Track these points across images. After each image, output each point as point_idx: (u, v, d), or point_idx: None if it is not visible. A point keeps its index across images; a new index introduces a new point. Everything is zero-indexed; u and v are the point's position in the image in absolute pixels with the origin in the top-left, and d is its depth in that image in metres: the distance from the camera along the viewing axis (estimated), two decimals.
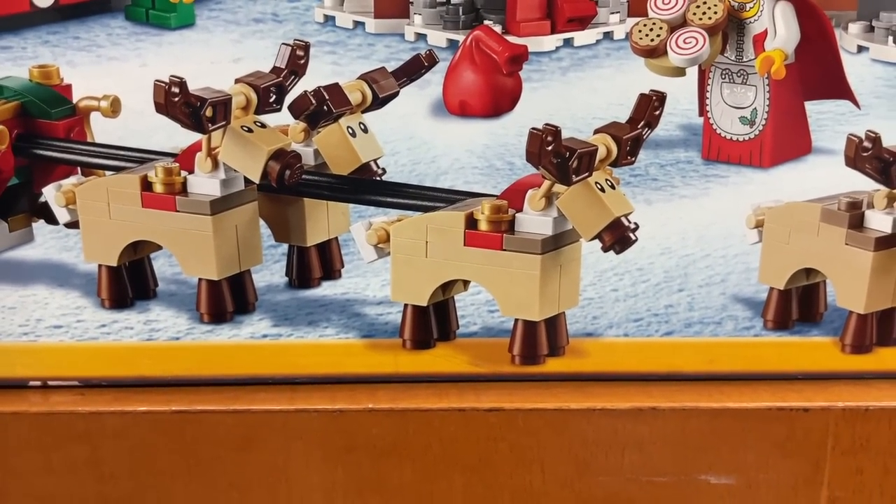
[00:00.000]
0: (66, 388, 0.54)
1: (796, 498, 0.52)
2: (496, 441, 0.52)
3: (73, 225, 0.55)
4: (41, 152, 0.56)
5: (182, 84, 0.50)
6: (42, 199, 0.56)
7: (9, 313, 0.54)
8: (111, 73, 0.55)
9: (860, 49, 0.70)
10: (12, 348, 0.54)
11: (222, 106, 0.50)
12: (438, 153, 0.56)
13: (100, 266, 0.55)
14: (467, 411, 0.52)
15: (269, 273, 0.57)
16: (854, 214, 0.51)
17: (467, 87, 0.57)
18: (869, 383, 0.52)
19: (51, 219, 0.56)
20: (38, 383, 0.54)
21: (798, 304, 0.54)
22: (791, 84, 0.65)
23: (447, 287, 0.53)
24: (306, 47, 0.52)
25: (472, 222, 0.51)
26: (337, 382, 0.54)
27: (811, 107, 0.66)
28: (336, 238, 0.57)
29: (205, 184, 0.52)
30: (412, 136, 0.56)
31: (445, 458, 0.52)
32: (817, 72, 0.66)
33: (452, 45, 0.56)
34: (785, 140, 0.66)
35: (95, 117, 0.56)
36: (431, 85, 0.56)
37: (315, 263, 0.56)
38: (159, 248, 0.55)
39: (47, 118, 0.55)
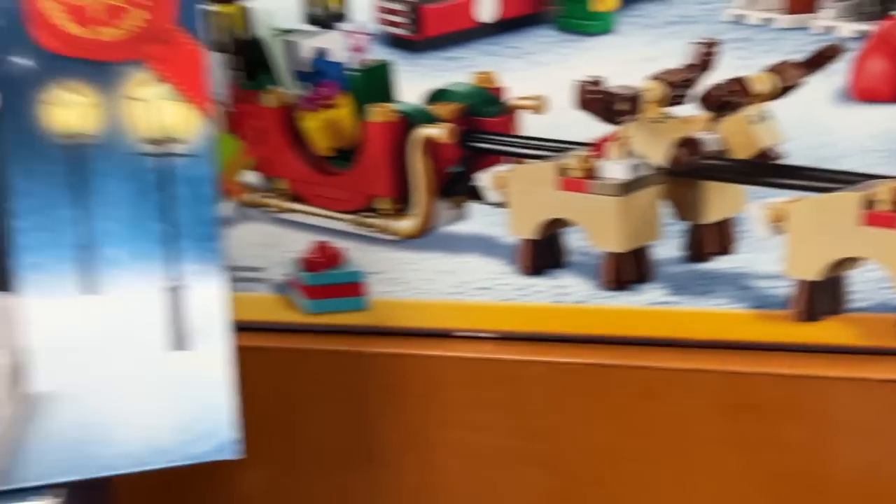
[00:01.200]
0: (488, 339, 0.64)
1: None
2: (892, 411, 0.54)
3: (500, 204, 0.64)
4: (478, 144, 0.65)
5: (598, 83, 0.58)
6: (475, 183, 0.67)
7: (444, 276, 0.64)
8: (540, 76, 0.62)
9: None
10: (444, 304, 0.64)
11: (633, 101, 0.58)
12: (839, 137, 0.57)
13: (521, 239, 0.64)
14: (858, 381, 0.55)
15: (668, 247, 0.62)
16: None
17: (876, 74, 0.57)
18: None
19: (482, 199, 0.67)
20: (462, 334, 0.64)
21: None
22: None
23: (840, 264, 0.56)
24: (714, 44, 0.58)
25: (868, 203, 0.54)
26: (727, 348, 0.60)
27: None
28: (732, 217, 0.62)
29: (614, 169, 0.60)
30: (813, 122, 0.58)
31: (838, 423, 0.55)
32: None
33: (861, 36, 0.57)
34: None
35: (525, 114, 0.65)
36: (836, 73, 0.57)
37: (711, 239, 0.61)
38: (570, 224, 0.63)
39: (485, 116, 0.65)
